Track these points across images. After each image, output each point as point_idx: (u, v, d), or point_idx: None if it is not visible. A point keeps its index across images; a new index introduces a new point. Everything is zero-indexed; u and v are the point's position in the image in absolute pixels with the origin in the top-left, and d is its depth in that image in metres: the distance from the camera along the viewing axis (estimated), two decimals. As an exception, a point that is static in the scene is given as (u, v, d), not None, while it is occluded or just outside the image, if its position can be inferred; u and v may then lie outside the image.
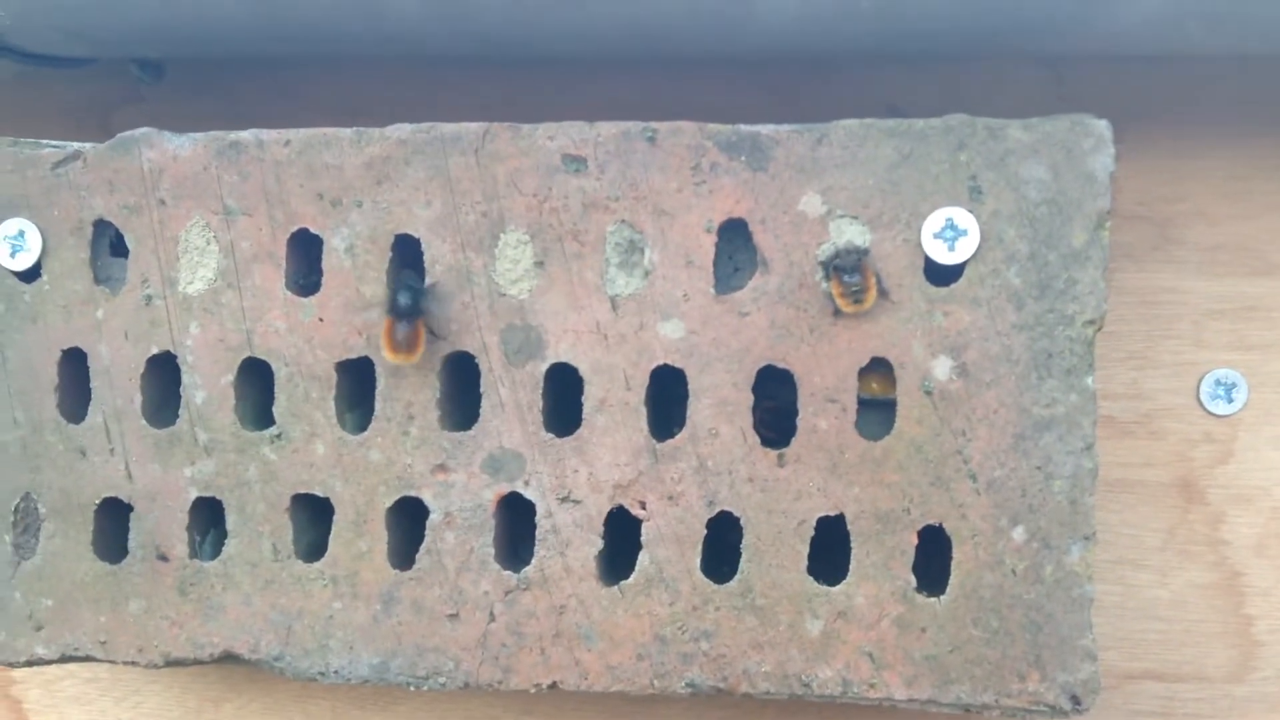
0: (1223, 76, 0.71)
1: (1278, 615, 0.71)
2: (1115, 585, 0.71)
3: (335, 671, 0.62)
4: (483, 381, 0.61)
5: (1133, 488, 0.72)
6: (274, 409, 0.62)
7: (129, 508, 0.63)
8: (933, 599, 0.58)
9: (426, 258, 0.60)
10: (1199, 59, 0.68)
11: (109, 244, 0.64)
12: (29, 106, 0.78)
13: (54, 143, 0.64)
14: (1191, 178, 0.72)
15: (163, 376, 0.63)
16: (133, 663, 0.63)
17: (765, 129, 0.58)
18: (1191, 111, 0.71)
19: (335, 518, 0.62)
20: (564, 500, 0.60)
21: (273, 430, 0.62)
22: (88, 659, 0.64)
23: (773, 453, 0.59)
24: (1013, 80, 0.72)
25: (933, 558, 0.59)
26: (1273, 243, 0.71)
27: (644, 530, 0.60)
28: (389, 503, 0.61)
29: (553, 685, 0.60)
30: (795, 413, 0.59)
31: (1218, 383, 0.71)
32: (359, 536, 0.62)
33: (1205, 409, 0.71)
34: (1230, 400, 0.71)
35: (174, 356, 0.63)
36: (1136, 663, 0.72)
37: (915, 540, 0.58)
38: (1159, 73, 0.71)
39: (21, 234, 0.63)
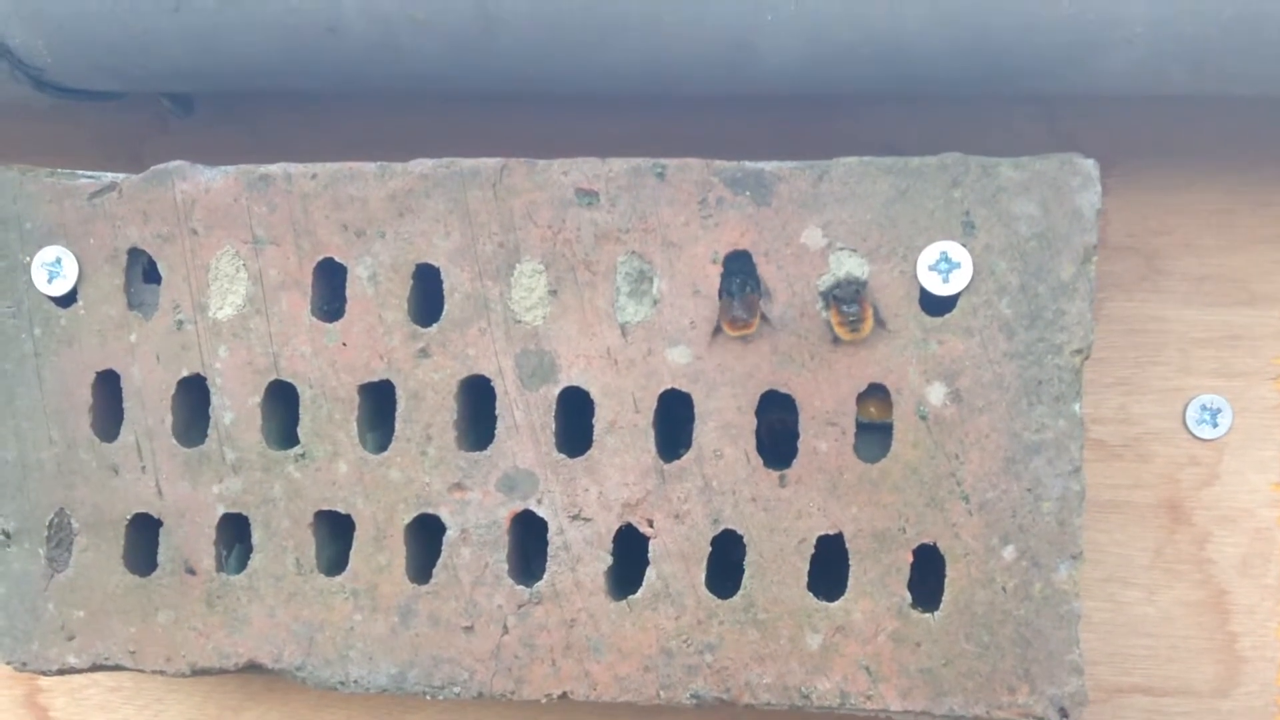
0: (1208, 116, 0.73)
1: (1261, 632, 0.73)
2: (1105, 602, 0.74)
3: (355, 681, 0.64)
4: (498, 404, 0.63)
5: (1121, 508, 0.74)
6: (299, 429, 0.65)
7: (159, 523, 0.66)
8: (927, 614, 0.61)
9: (446, 286, 0.63)
10: (1186, 100, 0.70)
11: (142, 271, 0.67)
12: (64, 138, 0.80)
13: (90, 174, 0.66)
14: (1178, 212, 0.74)
15: (192, 398, 0.66)
16: (161, 672, 0.66)
17: (769, 166, 0.61)
18: (1179, 149, 0.74)
19: (356, 533, 0.64)
20: (575, 518, 0.63)
21: (297, 449, 0.65)
22: (117, 668, 0.67)
23: (775, 473, 0.62)
24: (1008, 120, 0.74)
25: (927, 575, 0.61)
26: (1257, 273, 0.73)
27: (651, 547, 0.62)
28: (408, 519, 0.64)
29: (563, 695, 0.63)
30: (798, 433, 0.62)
31: (1203, 408, 0.73)
32: (379, 552, 0.64)
33: (1191, 433, 0.73)
34: (1215, 425, 0.73)
35: (203, 379, 0.65)
36: (1125, 677, 0.74)
37: (910, 558, 0.61)
38: (1148, 113, 0.73)
39: (59, 261, 0.66)
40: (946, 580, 0.60)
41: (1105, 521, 0.74)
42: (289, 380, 0.65)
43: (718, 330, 0.61)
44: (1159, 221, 0.74)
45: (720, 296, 0.61)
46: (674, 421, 0.64)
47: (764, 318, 0.61)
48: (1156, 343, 0.74)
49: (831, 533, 0.61)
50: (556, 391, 0.63)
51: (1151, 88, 0.65)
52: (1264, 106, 0.72)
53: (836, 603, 0.61)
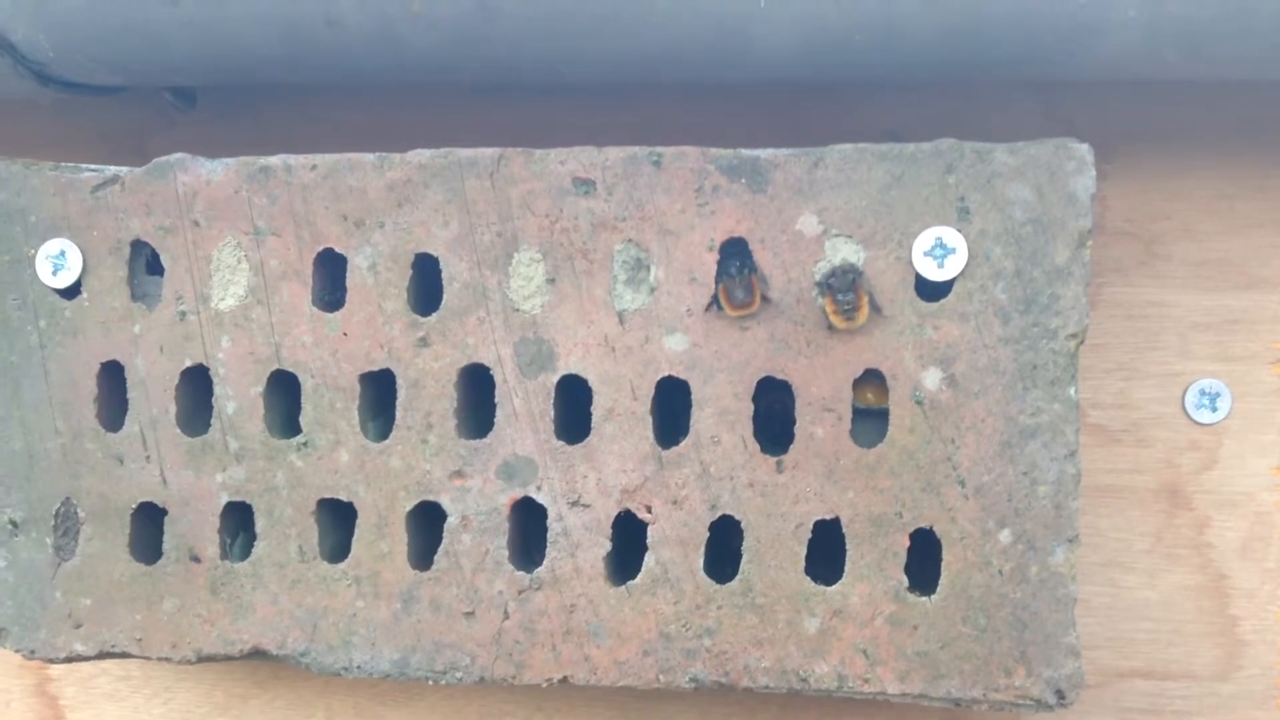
0: (1207, 102, 0.73)
1: (1261, 615, 0.73)
2: (1105, 587, 0.74)
3: (358, 666, 0.65)
4: (497, 392, 0.64)
5: (1121, 493, 0.74)
6: (301, 418, 0.65)
7: (164, 512, 0.67)
8: (924, 598, 0.61)
9: (445, 275, 0.64)
10: (1185, 86, 0.71)
11: (145, 263, 0.67)
12: (68, 132, 0.81)
13: (93, 167, 0.67)
14: (1177, 196, 0.74)
15: (196, 388, 0.67)
16: (166, 659, 0.66)
17: (764, 153, 0.61)
18: (1177, 134, 0.74)
19: (358, 521, 0.65)
20: (574, 504, 0.63)
21: (300, 438, 0.65)
22: (124, 655, 0.67)
23: (772, 459, 0.62)
24: (1006, 107, 0.74)
25: (924, 559, 0.61)
26: (1255, 258, 0.73)
27: (650, 533, 0.63)
28: (409, 507, 0.64)
29: (563, 680, 0.63)
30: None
31: (1202, 393, 0.73)
32: (380, 539, 0.65)
33: (1190, 418, 0.74)
34: (1215, 409, 0.73)
35: (206, 369, 0.66)
36: (1126, 661, 0.74)
37: (907, 542, 0.61)
38: (1147, 98, 0.73)
39: (63, 253, 0.67)
40: (943, 564, 0.61)
41: (1105, 506, 0.74)
42: (291, 370, 0.65)
43: (719, 308, 0.61)
44: (1158, 207, 0.74)
45: (719, 280, 0.61)
46: (672, 408, 0.64)
47: (764, 298, 0.61)
48: (1155, 328, 0.74)
49: (828, 517, 0.62)
50: (555, 379, 0.63)
51: (1147, 71, 0.65)
52: (1262, 92, 0.71)
53: (834, 587, 0.61)
